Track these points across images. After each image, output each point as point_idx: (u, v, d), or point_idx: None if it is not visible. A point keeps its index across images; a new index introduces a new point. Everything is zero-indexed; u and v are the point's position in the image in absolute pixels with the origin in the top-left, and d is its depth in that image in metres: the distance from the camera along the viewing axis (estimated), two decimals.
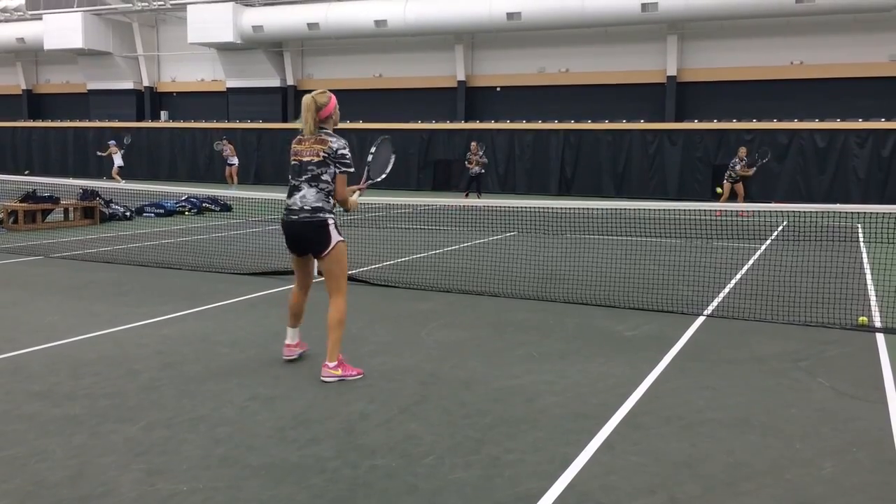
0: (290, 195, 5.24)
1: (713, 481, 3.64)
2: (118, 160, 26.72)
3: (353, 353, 5.84)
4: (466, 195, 21.26)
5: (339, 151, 5.14)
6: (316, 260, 5.33)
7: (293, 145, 5.27)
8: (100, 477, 3.60)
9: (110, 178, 27.24)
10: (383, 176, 5.80)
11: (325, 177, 5.14)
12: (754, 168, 18.54)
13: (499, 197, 25.32)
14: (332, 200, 5.23)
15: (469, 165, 21.41)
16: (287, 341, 5.56)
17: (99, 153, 27.74)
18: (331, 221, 5.18)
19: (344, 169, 5.17)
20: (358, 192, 5.55)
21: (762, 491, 3.55)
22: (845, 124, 24.55)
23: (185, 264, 10.06)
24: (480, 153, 21.38)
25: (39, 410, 4.49)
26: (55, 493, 3.43)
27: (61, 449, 3.92)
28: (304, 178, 5.17)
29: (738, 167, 18.22)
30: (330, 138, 5.16)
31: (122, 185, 19.06)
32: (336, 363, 5.14)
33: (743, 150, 18.81)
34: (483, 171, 21.61)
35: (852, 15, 25.11)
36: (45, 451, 3.90)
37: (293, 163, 5.24)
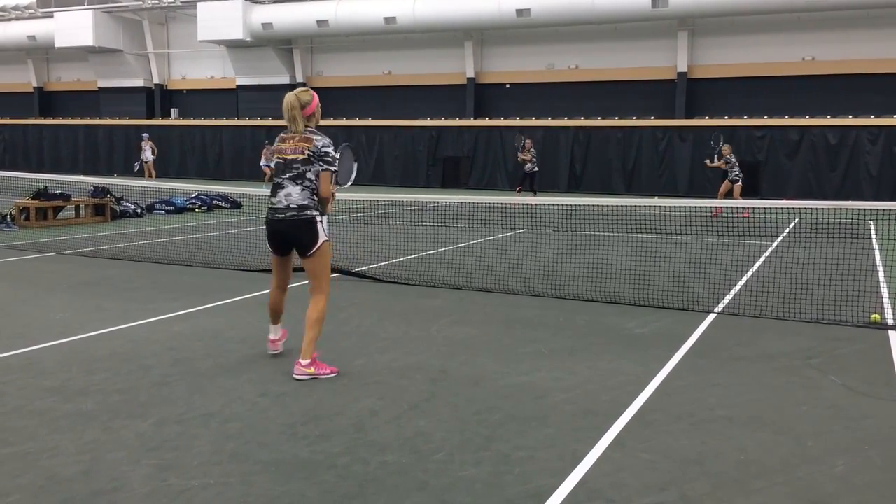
0: (273, 193, 5.19)
1: (724, 479, 3.63)
2: (148, 154, 27.13)
3: (362, 349, 5.86)
4: (519, 191, 20.85)
5: (324, 149, 5.09)
6: (300, 259, 5.25)
7: (277, 143, 5.24)
8: (112, 472, 3.62)
9: (131, 174, 27.57)
10: (349, 182, 5.78)
11: (309, 175, 5.09)
12: (719, 158, 18.24)
13: (508, 194, 25.29)
14: (316, 198, 5.14)
15: (524, 159, 20.79)
16: (270, 336, 5.60)
17: (144, 159, 28.08)
18: (318, 219, 5.14)
19: (326, 167, 5.10)
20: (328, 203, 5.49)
21: (773, 489, 3.53)
22: (857, 121, 24.40)
23: (196, 261, 10.10)
24: (532, 150, 20.95)
25: (51, 406, 4.52)
26: (67, 487, 3.46)
27: (73, 444, 3.95)
28: (287, 175, 5.11)
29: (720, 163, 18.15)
30: (315, 136, 5.12)
31: (148, 182, 19.16)
32: (309, 361, 5.09)
33: (726, 148, 18.41)
34: (536, 168, 21.06)
35: (864, 10, 24.94)
36: (57, 446, 3.92)
37: (277, 160, 5.20)
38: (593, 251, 10.54)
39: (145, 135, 28.62)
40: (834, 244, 10.61)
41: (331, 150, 5.13)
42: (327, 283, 5.23)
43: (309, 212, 5.10)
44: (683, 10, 26.18)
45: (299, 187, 5.09)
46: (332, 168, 5.13)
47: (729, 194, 17.98)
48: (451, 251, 11.33)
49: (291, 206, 5.10)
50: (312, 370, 5.08)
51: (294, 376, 5.07)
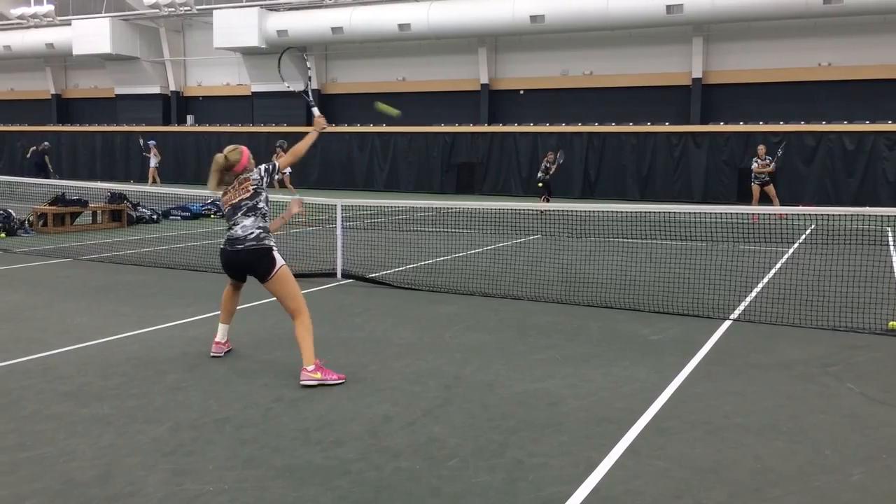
0: (230, 229, 5.51)
1: (739, 487, 3.61)
2: (154, 160, 27.35)
3: (377, 355, 5.86)
4: (547, 200, 20.83)
5: (263, 175, 5.51)
6: (263, 285, 5.48)
7: (223, 197, 5.58)
8: (127, 477, 3.64)
9: (145, 180, 27.81)
10: (307, 85, 6.24)
11: (260, 204, 5.48)
12: (772, 163, 18.14)
13: (523, 200, 25.28)
14: (267, 223, 5.49)
15: (546, 175, 20.84)
16: (217, 338, 5.79)
17: (145, 154, 28.51)
18: (274, 247, 5.45)
19: (273, 164, 5.60)
20: (315, 133, 5.81)
21: (789, 497, 3.51)
22: (874, 126, 24.20)
23: (211, 267, 10.14)
24: (552, 161, 20.88)
25: (68, 410, 4.55)
26: (84, 492, 3.48)
27: (90, 449, 3.97)
28: (239, 213, 5.46)
29: (754, 166, 18.05)
30: (250, 175, 5.50)
31: (154, 188, 19.36)
32: (314, 367, 5.15)
33: (762, 149, 18.48)
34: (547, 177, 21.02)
35: (881, 16, 24.76)
36: (73, 450, 3.95)
37: (226, 209, 5.53)
38: (607, 257, 10.51)
39: (152, 142, 28.84)
40: (851, 251, 10.52)
41: (265, 167, 5.56)
42: (301, 301, 5.41)
43: (267, 241, 5.43)
44: (698, 15, 26.08)
45: (252, 217, 5.45)
46: (276, 162, 5.64)
47: (766, 199, 17.88)
48: (464, 257, 11.33)
49: (249, 236, 5.41)
50: (319, 375, 5.14)
51: (301, 383, 5.10)
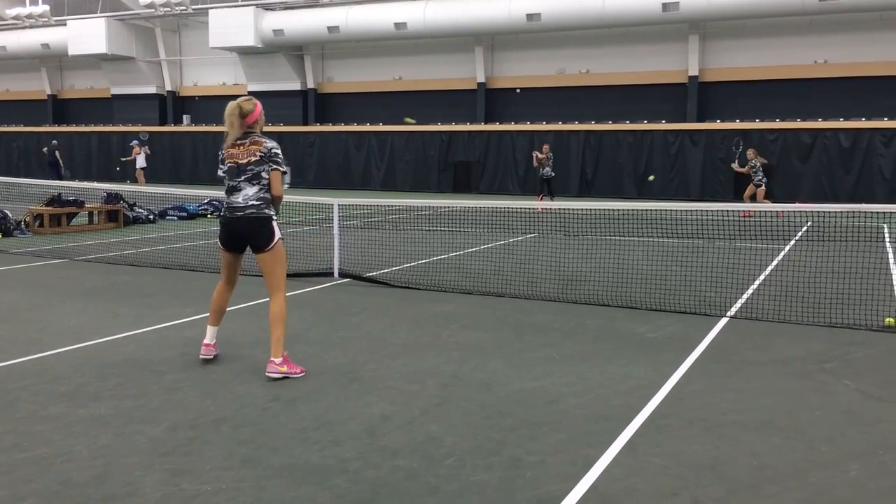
0: (230, 194, 5.42)
1: (736, 484, 3.61)
2: (141, 161, 27.12)
3: (374, 354, 5.86)
4: (541, 198, 20.78)
5: (273, 150, 5.38)
6: (255, 256, 5.43)
7: (228, 149, 5.44)
8: (125, 477, 3.64)
9: (134, 180, 27.64)
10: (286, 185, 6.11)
11: (263, 174, 5.36)
12: (744, 164, 18.47)
13: (520, 198, 25.30)
14: (269, 196, 5.38)
15: (542, 161, 20.69)
16: (206, 340, 5.65)
17: (123, 159, 28.27)
18: (274, 218, 5.41)
19: (276, 167, 5.39)
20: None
21: (786, 494, 3.51)
22: (870, 123, 24.27)
23: (208, 267, 10.14)
24: (549, 156, 20.84)
25: (65, 411, 4.55)
26: (81, 492, 3.48)
27: (87, 449, 3.97)
28: (243, 177, 5.36)
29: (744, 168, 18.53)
30: (263, 139, 5.40)
31: (146, 188, 19.34)
32: (282, 360, 5.20)
33: (751, 153, 18.68)
34: (553, 174, 20.96)
35: (877, 13, 24.81)
36: (70, 451, 3.95)
37: (230, 165, 5.41)
38: (604, 255, 10.52)
39: (135, 141, 28.66)
40: (847, 247, 10.54)
41: (279, 151, 5.41)
42: (283, 280, 5.45)
43: (267, 210, 5.38)
44: (694, 13, 26.12)
45: (256, 187, 5.36)
46: (282, 168, 5.45)
47: (753, 197, 18.12)
48: (461, 256, 11.33)
49: (250, 204, 5.35)
50: (285, 368, 5.20)
51: (267, 374, 5.17)
